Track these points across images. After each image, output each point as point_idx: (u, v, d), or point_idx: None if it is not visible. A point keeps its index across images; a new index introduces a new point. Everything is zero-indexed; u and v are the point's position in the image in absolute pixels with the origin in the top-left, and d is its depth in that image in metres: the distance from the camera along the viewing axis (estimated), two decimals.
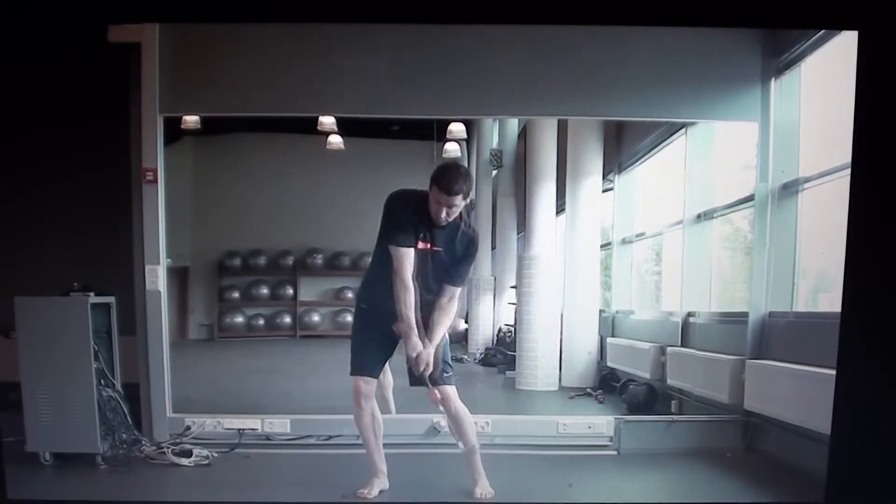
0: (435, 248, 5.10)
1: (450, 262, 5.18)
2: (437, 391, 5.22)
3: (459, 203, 5.01)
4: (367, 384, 5.24)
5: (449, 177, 4.96)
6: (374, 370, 5.29)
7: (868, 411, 4.55)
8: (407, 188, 5.18)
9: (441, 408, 5.31)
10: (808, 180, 6.37)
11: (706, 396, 7.01)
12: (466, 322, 13.89)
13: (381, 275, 5.21)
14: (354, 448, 6.30)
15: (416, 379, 5.25)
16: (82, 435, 6.05)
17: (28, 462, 5.97)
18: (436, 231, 5.08)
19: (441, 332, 5.21)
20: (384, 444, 5.41)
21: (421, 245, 5.10)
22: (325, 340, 15.05)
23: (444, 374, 5.24)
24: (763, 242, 6.60)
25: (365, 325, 5.30)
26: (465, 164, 14.87)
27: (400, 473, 5.45)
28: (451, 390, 5.25)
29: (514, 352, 10.00)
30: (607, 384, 9.11)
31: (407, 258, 5.05)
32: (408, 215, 5.04)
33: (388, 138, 14.48)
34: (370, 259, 5.36)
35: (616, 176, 10.15)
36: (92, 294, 6.17)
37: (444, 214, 5.00)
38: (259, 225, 15.09)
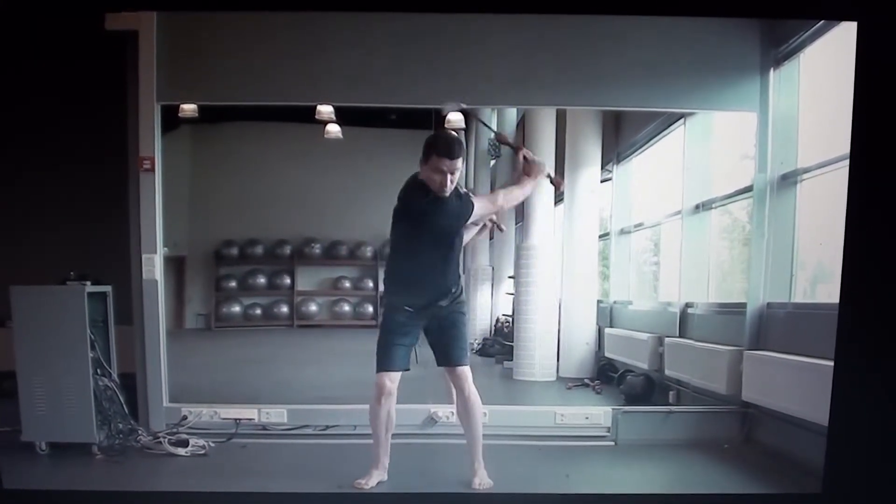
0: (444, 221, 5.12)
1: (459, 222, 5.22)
2: (455, 370, 5.23)
3: (460, 166, 4.99)
4: (393, 382, 5.21)
5: (447, 142, 4.98)
6: (402, 366, 5.25)
7: (865, 402, 4.55)
8: (414, 176, 5.16)
9: (455, 390, 5.31)
10: (806, 171, 6.35)
11: (704, 387, 7.01)
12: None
13: (407, 263, 5.20)
14: (352, 438, 6.32)
15: (439, 359, 5.29)
16: (78, 425, 6.04)
17: (24, 452, 5.97)
18: (442, 204, 5.06)
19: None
20: None
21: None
22: (323, 330, 15.06)
23: (466, 354, 5.32)
24: (761, 233, 6.59)
25: (397, 321, 5.23)
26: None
27: (397, 463, 5.43)
28: (468, 371, 5.28)
29: (512, 342, 10.01)
30: (605, 375, 9.13)
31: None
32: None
33: (386, 127, 14.47)
34: (388, 250, 5.37)
35: (614, 166, 10.15)
36: (88, 283, 6.16)
37: (448, 182, 4.98)
38: (256, 214, 15.10)
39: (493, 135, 13.29)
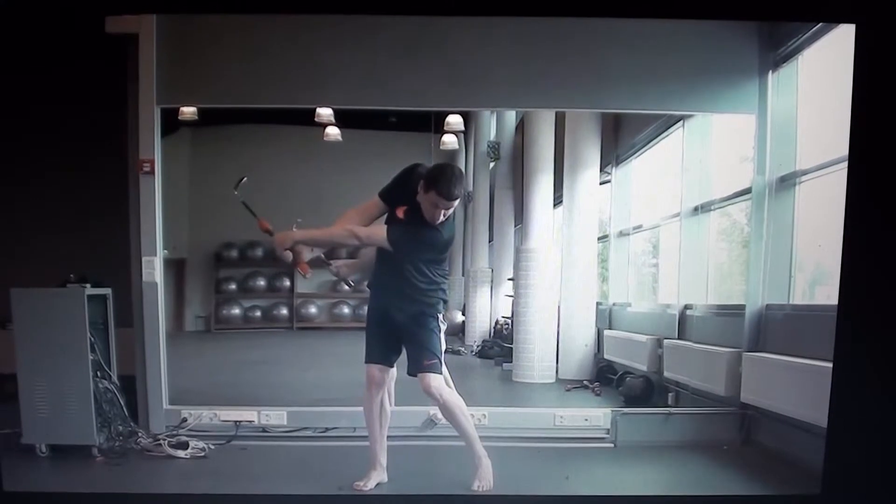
0: (413, 221, 5.10)
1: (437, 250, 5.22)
2: (419, 379, 5.21)
3: (455, 205, 5.02)
4: (381, 372, 5.28)
5: (449, 181, 4.93)
6: (387, 359, 5.31)
7: (864, 403, 4.55)
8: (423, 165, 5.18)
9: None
10: (805, 173, 6.36)
11: (703, 389, 7.01)
12: (463, 314, 13.90)
13: (381, 268, 5.26)
14: (351, 440, 6.33)
15: (412, 368, 5.26)
16: (78, 427, 6.03)
17: (24, 454, 5.96)
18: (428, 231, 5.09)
19: (313, 233, 5.27)
20: None
21: (400, 214, 5.13)
22: (322, 332, 15.08)
23: (426, 362, 5.19)
24: (760, 235, 6.60)
25: (371, 315, 5.35)
26: (462, 156, 14.90)
27: (397, 465, 5.44)
28: (433, 378, 5.19)
29: (511, 344, 10.02)
30: (604, 376, 9.13)
31: (371, 208, 5.17)
32: (412, 188, 5.05)
33: (386, 130, 14.49)
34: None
35: (613, 168, 10.16)
36: (88, 285, 6.16)
37: (441, 216, 5.00)
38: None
39: (492, 137, 13.36)
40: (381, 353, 5.29)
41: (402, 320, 5.23)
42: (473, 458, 5.29)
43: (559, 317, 9.73)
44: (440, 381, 5.22)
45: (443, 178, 4.94)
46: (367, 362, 5.30)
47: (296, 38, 6.62)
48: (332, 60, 6.62)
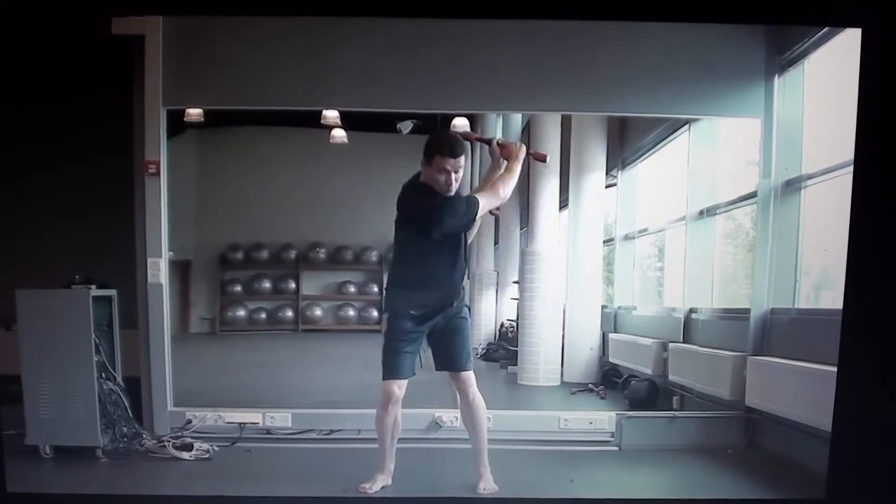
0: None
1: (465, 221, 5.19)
2: (460, 375, 5.21)
3: (463, 164, 4.99)
4: (400, 389, 5.17)
5: (449, 141, 5.01)
6: (409, 373, 5.20)
7: (869, 408, 4.55)
8: (412, 181, 5.15)
9: (459, 395, 5.28)
10: (810, 177, 6.36)
11: (708, 393, 7.00)
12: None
13: (414, 269, 5.18)
14: (356, 442, 6.33)
15: (441, 363, 5.27)
16: (83, 428, 6.04)
17: (28, 455, 5.96)
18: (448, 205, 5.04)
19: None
20: None
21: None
22: (327, 335, 15.08)
23: (470, 357, 5.26)
24: (765, 239, 6.59)
25: (404, 329, 5.16)
26: (468, 159, 14.88)
27: (402, 467, 5.42)
28: (472, 375, 5.24)
29: (516, 347, 10.00)
30: (609, 380, 9.12)
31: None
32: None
33: (392, 132, 14.48)
34: (392, 256, 5.39)
35: (619, 172, 10.15)
36: (93, 287, 6.16)
37: (453, 181, 4.98)
38: (262, 218, 15.14)
39: (498, 135, 13.31)
40: (410, 366, 5.18)
41: (446, 318, 5.21)
42: (479, 468, 5.28)
43: (564, 320, 9.72)
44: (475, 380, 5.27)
45: (441, 139, 5.03)
46: (390, 379, 5.16)
47: (302, 40, 6.62)
48: (338, 62, 6.62)
